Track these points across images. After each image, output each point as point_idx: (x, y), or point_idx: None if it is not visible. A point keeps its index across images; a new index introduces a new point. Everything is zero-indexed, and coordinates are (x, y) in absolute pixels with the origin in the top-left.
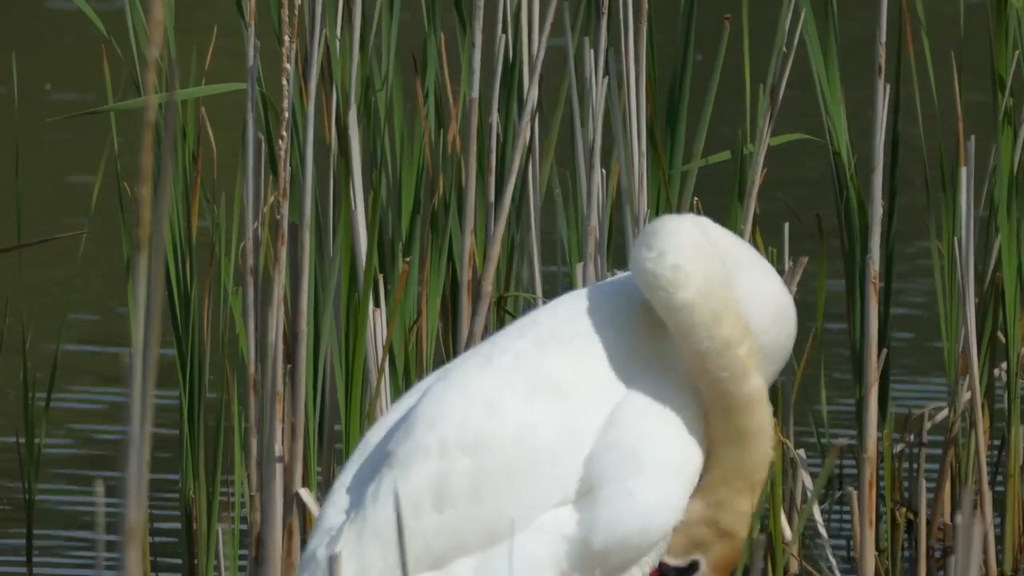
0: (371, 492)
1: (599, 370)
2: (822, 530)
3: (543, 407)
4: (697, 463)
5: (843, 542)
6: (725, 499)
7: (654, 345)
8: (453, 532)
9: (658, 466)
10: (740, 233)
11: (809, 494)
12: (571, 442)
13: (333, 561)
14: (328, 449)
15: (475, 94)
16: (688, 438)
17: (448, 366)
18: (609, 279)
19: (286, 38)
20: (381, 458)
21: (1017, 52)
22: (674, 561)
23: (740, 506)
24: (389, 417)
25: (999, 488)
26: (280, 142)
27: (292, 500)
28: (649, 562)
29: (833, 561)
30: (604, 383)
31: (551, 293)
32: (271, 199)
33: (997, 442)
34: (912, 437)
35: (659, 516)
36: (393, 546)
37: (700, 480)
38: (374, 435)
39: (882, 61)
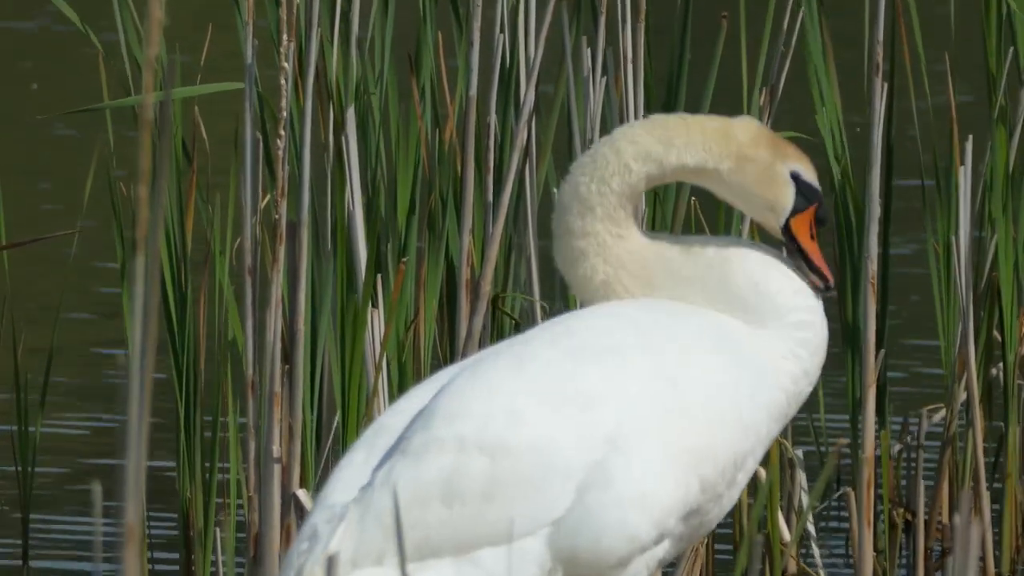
0: (381, 476)
1: (628, 387)
2: (811, 529)
3: (566, 419)
4: (679, 493)
5: (841, 542)
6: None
7: (684, 362)
8: (457, 528)
9: (627, 489)
10: (738, 233)
11: (806, 495)
12: (588, 456)
13: (331, 562)
14: (326, 450)
15: (473, 92)
16: (680, 468)
17: (475, 360)
18: (644, 298)
19: (284, 37)
20: (395, 443)
21: (1011, 49)
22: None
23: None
24: (407, 403)
25: (998, 491)
26: (278, 141)
27: (290, 501)
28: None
29: (819, 561)
30: (631, 400)
31: (548, 293)
32: (266, 198)
33: (995, 443)
34: (909, 438)
35: (608, 538)
36: (394, 533)
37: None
38: (389, 419)
39: (879, 59)
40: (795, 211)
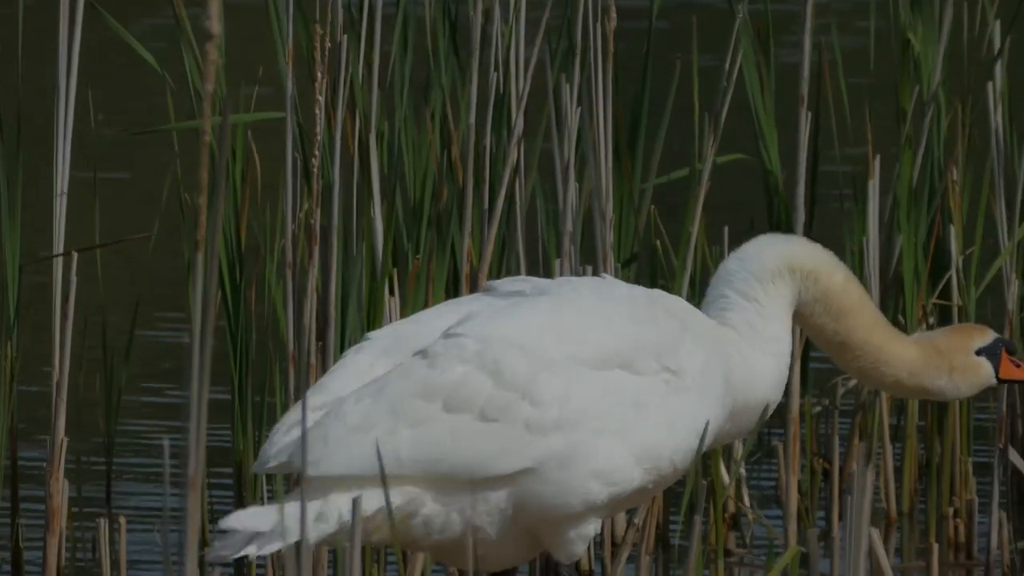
0: (399, 370)
1: (648, 366)
2: (744, 473)
3: (580, 373)
4: (636, 483)
5: (772, 485)
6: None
7: (696, 364)
8: (447, 436)
9: (599, 464)
10: (688, 235)
11: (742, 447)
12: (578, 419)
13: (356, 503)
14: None
15: (472, 120)
16: (647, 465)
17: (533, 291)
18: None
19: (319, 74)
20: (421, 344)
21: (917, 88)
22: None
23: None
24: (428, 315)
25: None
26: (313, 160)
27: None
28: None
29: (754, 501)
30: (647, 384)
31: None
32: (305, 206)
33: (897, 406)
34: (828, 401)
35: (566, 504)
36: (401, 423)
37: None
38: (407, 327)
39: (804, 93)
40: (994, 362)
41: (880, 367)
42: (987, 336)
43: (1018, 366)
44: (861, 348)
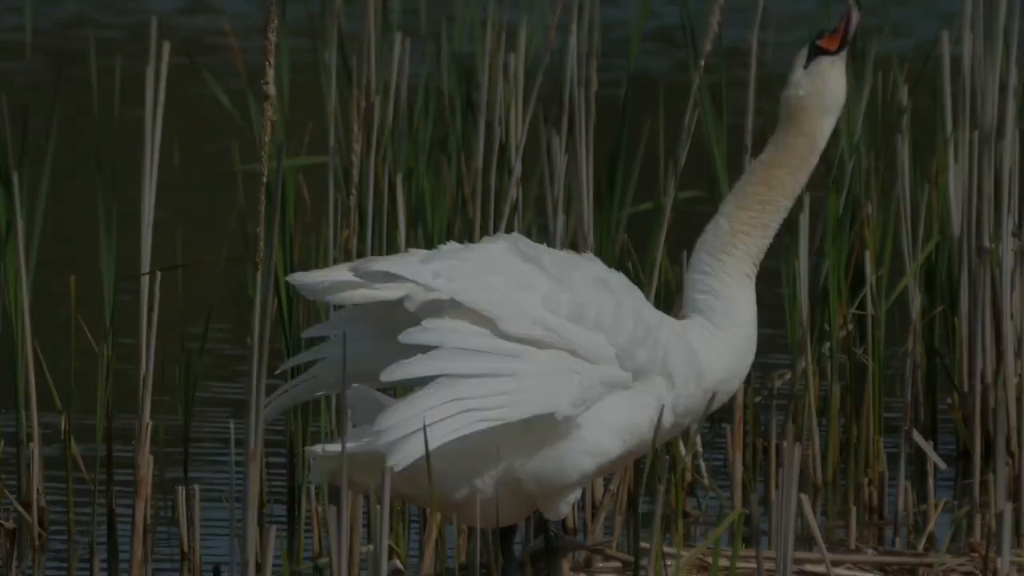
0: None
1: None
2: (699, 449)
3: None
4: (618, 453)
5: (722, 459)
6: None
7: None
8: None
9: (589, 443)
10: (652, 260)
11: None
12: (592, 383)
13: (385, 473)
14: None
15: (479, 164)
16: (626, 440)
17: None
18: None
19: (356, 127)
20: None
21: (842, 142)
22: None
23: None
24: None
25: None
26: (351, 196)
27: None
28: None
29: (706, 473)
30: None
31: None
32: (345, 234)
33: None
34: (767, 391)
35: (563, 475)
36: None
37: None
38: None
39: (748, 142)
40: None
41: (805, 168)
42: (801, 55)
43: (835, 32)
44: (793, 175)
